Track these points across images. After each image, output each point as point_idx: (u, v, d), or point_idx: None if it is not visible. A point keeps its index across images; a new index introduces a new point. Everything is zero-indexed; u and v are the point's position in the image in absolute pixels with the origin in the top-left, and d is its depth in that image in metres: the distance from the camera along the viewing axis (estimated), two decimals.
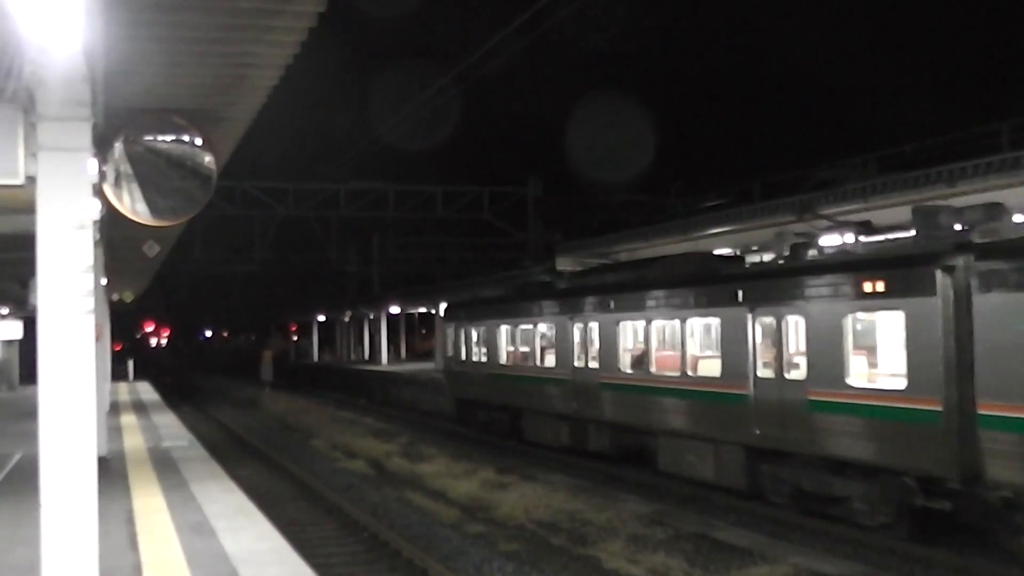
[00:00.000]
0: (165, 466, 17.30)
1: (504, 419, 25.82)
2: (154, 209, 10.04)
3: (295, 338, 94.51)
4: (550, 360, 23.47)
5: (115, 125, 9.32)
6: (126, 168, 9.78)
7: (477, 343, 27.39)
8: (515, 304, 25.74)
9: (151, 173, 9.79)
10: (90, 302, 7.63)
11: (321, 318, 78.84)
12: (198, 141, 9.90)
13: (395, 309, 62.62)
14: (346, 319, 74.72)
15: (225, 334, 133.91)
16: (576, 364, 22.19)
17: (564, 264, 34.28)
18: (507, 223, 42.04)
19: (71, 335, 7.52)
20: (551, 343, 23.59)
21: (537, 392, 23.76)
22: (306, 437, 30.19)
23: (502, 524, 16.08)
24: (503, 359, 25.76)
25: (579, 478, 20.71)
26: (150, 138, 9.60)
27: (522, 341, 25.28)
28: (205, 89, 9.28)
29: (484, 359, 26.71)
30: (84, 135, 7.62)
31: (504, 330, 26.01)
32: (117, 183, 9.85)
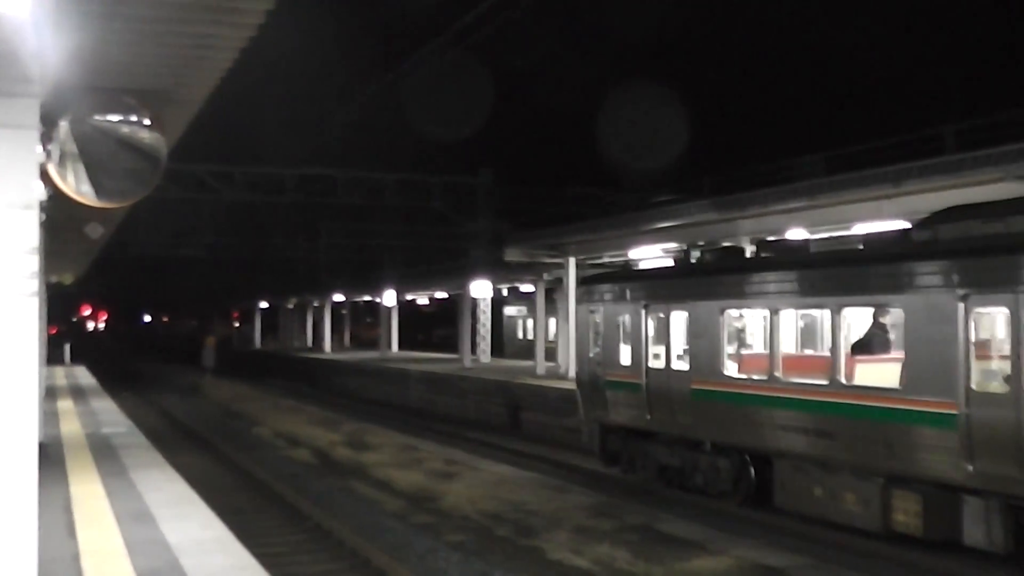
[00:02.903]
0: (104, 453, 17.01)
1: (722, 468, 16.18)
2: (100, 190, 9.80)
3: (237, 324, 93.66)
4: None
5: (62, 103, 9.09)
6: (72, 148, 9.54)
7: (659, 339, 17.58)
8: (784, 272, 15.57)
9: (98, 153, 9.56)
10: (34, 284, 7.43)
11: (264, 305, 78.20)
12: (147, 121, 9.69)
13: (340, 297, 62.29)
14: (290, 306, 74.18)
15: (166, 319, 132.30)
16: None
17: (513, 255, 34.27)
18: (457, 213, 41.90)
19: (14, 318, 7.32)
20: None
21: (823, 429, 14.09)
22: (249, 425, 29.93)
23: (447, 515, 16.06)
24: (732, 368, 16.07)
25: (526, 469, 20.75)
26: (99, 117, 9.37)
27: (782, 338, 15.37)
28: (158, 69, 9.08)
29: (682, 366, 16.87)
30: (31, 112, 7.41)
31: (736, 318, 16.64)
32: (62, 163, 9.61)
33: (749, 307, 16.22)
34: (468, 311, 42.62)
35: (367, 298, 62.83)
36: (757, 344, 16.43)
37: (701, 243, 27.57)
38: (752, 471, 15.77)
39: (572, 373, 32.20)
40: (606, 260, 34.69)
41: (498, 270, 38.19)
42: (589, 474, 20.90)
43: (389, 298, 52.68)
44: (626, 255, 31.07)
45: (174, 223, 49.79)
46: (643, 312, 17.81)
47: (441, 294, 55.61)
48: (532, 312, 41.34)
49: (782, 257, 16.51)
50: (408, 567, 12.67)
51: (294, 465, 22.03)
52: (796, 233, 22.25)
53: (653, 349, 17.69)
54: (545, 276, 36.64)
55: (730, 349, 16.29)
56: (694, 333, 16.60)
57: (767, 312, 15.33)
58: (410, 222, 48.96)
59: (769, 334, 15.25)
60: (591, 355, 19.55)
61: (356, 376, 48.67)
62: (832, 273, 14.38)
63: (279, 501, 17.63)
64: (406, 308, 61.77)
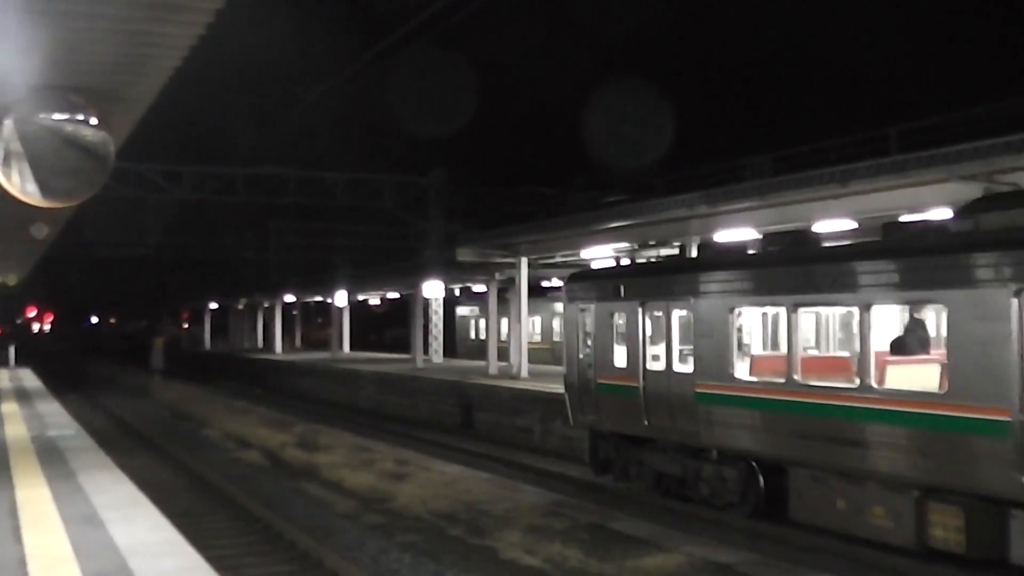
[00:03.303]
0: (50, 456, 16.75)
1: (729, 478, 15.24)
2: (46, 190, 9.69)
3: (186, 325, 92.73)
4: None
5: (6, 101, 8.97)
6: (17, 146, 9.40)
7: (659, 339, 16.64)
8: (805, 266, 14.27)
9: (44, 152, 9.44)
10: None
11: (214, 305, 77.49)
12: (94, 120, 9.58)
13: (291, 297, 61.88)
14: (240, 307, 73.56)
15: (113, 320, 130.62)
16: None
17: (465, 255, 34.24)
18: (409, 213, 41.80)
19: None
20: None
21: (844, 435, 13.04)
22: (199, 427, 29.65)
23: (399, 515, 16.02)
24: (743, 370, 14.97)
25: (478, 469, 20.75)
26: (44, 116, 9.25)
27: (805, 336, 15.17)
28: (105, 67, 8.99)
29: (685, 368, 15.86)
30: None
31: (751, 316, 15.59)
32: (7, 162, 9.48)
33: (762, 304, 15.10)
34: (420, 311, 42.53)
35: (318, 298, 62.48)
36: (771, 344, 15.54)
37: (652, 242, 27.79)
38: (761, 481, 14.70)
39: (524, 372, 32.36)
40: (558, 260, 34.82)
41: (450, 270, 38.15)
42: (541, 473, 20.98)
43: (340, 298, 52.42)
44: (578, 255, 31.20)
45: (121, 223, 49.20)
46: (640, 310, 16.69)
47: (393, 294, 55.46)
48: (484, 312, 41.36)
49: (798, 251, 14.98)
50: (360, 568, 12.64)
51: (244, 467, 21.86)
52: (745, 233, 22.47)
53: (651, 350, 16.62)
54: (497, 276, 36.67)
55: (740, 350, 15.12)
56: (699, 333, 15.42)
57: (783, 310, 14.20)
58: (362, 222, 48.79)
59: (786, 334, 14.05)
60: (581, 356, 18.30)
61: (307, 377, 48.38)
62: (859, 268, 13.08)
63: (229, 503, 17.49)
64: (358, 308, 61.52)
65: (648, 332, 16.66)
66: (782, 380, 13.89)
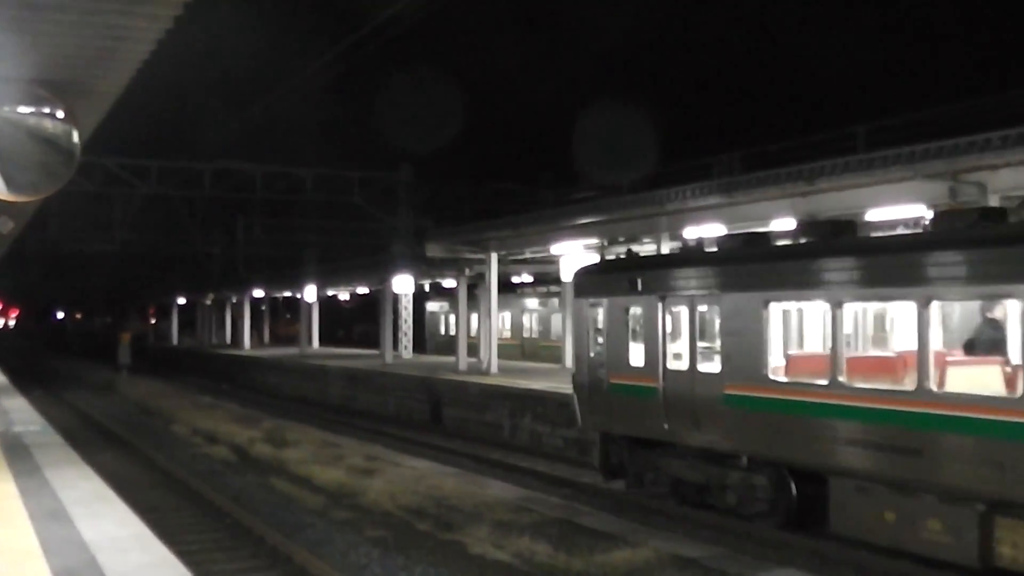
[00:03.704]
0: (16, 452, 16.62)
1: (759, 486, 14.17)
2: (11, 184, 9.61)
3: (153, 321, 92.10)
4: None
5: None
6: None
7: (681, 336, 15.48)
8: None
9: (9, 146, 9.37)
10: None
11: (182, 301, 77.01)
12: (60, 113, 9.52)
13: (259, 292, 61.58)
14: (208, 302, 73.14)
15: (79, 316, 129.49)
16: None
17: (434, 251, 34.22)
18: (378, 208, 41.71)
19: None
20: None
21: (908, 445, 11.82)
22: (166, 422, 29.47)
23: (368, 510, 16.02)
24: (779, 371, 13.84)
25: (447, 464, 20.79)
26: (9, 109, 9.18)
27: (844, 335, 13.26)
28: (72, 60, 8.92)
29: (712, 368, 14.71)
30: None
31: (788, 312, 14.46)
32: None
33: (802, 299, 13.84)
34: (389, 307, 42.47)
35: (287, 294, 62.22)
36: (813, 343, 14.28)
37: (621, 239, 27.89)
38: (793, 489, 13.73)
39: (494, 368, 32.40)
40: (528, 256, 34.89)
41: (420, 265, 38.11)
42: (510, 469, 21.03)
43: (309, 293, 52.23)
44: (547, 250, 31.27)
45: (88, 218, 48.78)
46: (660, 305, 15.50)
47: (362, 289, 55.32)
48: (454, 308, 41.36)
49: (845, 241, 13.90)
50: (329, 563, 12.64)
51: (212, 462, 21.78)
52: (714, 229, 22.63)
53: (672, 348, 15.45)
54: (467, 271, 36.68)
55: (776, 349, 13.97)
56: (729, 330, 14.26)
57: (827, 305, 12.93)
58: (331, 217, 48.62)
59: (831, 331, 12.80)
60: (592, 355, 17.12)
61: (275, 373, 48.19)
62: (917, 259, 11.84)
63: (197, 498, 17.43)
64: (326, 304, 61.32)
65: (668, 329, 15.46)
66: (825, 382, 12.78)
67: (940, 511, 11.45)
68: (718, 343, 14.61)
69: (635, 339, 16.21)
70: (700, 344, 14.97)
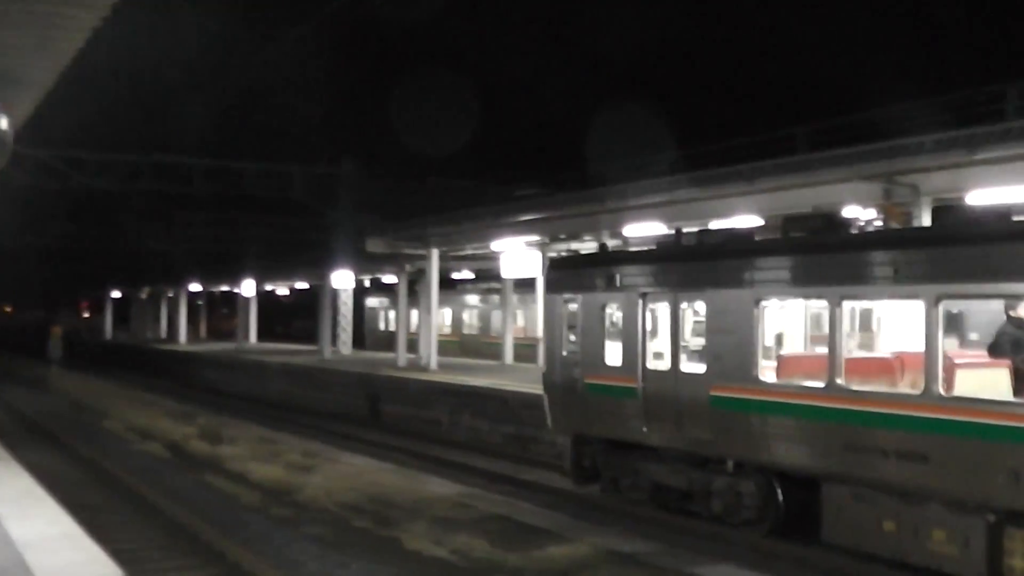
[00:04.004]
0: None
1: (746, 492, 13.56)
2: None
3: (87, 315, 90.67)
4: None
5: None
6: None
7: (663, 334, 14.92)
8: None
9: None
10: None
11: (117, 294, 75.89)
12: None
13: (196, 287, 60.88)
14: (144, 296, 72.20)
15: (9, 309, 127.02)
16: None
17: (375, 246, 34.08)
18: (319, 203, 41.41)
19: None
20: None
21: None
22: (99, 419, 28.98)
23: (306, 507, 15.90)
24: (770, 372, 13.30)
25: (385, 461, 20.71)
26: None
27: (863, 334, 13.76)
28: (4, 49, 8.73)
29: (697, 368, 14.18)
30: None
31: (782, 310, 14.05)
32: None
33: (798, 297, 13.37)
34: (329, 302, 42.20)
35: (225, 288, 61.58)
36: (808, 343, 13.96)
37: (562, 236, 28.00)
38: (780, 496, 13.18)
39: (434, 364, 32.34)
40: (469, 252, 34.87)
41: (360, 261, 37.94)
42: (449, 465, 21.01)
43: (248, 288, 51.71)
44: (488, 247, 31.28)
45: (20, 210, 47.85)
46: (640, 302, 14.80)
47: (302, 284, 54.92)
48: (394, 303, 41.21)
49: (846, 235, 13.31)
50: (265, 560, 12.51)
51: (147, 459, 21.47)
52: (654, 227, 22.79)
53: (654, 347, 14.84)
54: (407, 267, 36.58)
55: (768, 348, 13.47)
56: (716, 328, 13.64)
57: (826, 304, 12.40)
58: (271, 212, 48.22)
59: (829, 331, 12.23)
60: (565, 353, 16.34)
61: (212, 368, 47.66)
62: (929, 255, 11.30)
63: (131, 496, 17.16)
64: (265, 299, 60.79)
65: (650, 327, 14.82)
66: (822, 384, 12.21)
67: (945, 520, 10.93)
68: (703, 342, 14.01)
69: (612, 337, 15.51)
70: (684, 344, 14.39)
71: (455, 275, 44.03)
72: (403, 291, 37.69)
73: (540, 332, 33.47)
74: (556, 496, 16.80)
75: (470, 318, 45.51)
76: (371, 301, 54.33)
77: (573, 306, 16.21)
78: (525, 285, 35.18)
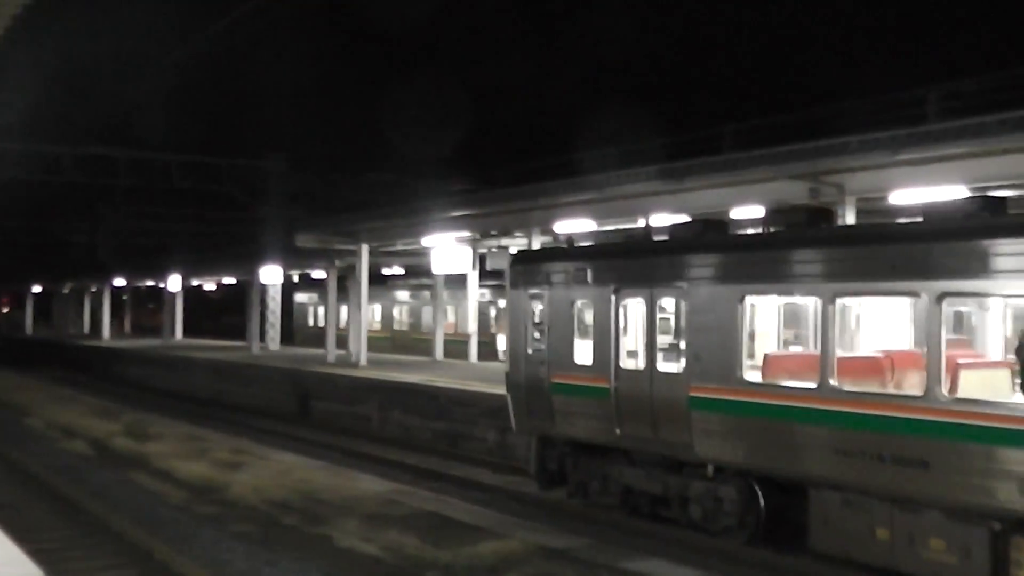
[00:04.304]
0: None
1: (726, 498, 12.99)
2: None
3: (6, 310, 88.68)
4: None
5: None
6: None
7: (637, 332, 14.33)
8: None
9: None
10: None
11: (37, 289, 74.27)
12: None
13: (121, 281, 59.82)
14: (66, 291, 70.78)
15: None
16: None
17: (304, 241, 33.79)
18: (249, 197, 40.93)
19: None
20: None
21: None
22: (19, 416, 28.31)
23: (233, 505, 15.70)
24: (754, 372, 12.61)
25: (315, 457, 20.55)
26: None
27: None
28: None
29: (673, 367, 13.63)
30: None
31: (767, 307, 13.54)
32: None
33: (786, 293, 12.64)
34: (257, 297, 41.74)
35: (150, 283, 60.63)
36: (797, 341, 13.51)
37: (494, 232, 28.01)
38: (762, 502, 12.58)
39: (364, 361, 32.17)
40: (400, 248, 34.75)
41: (289, 256, 37.59)
42: (379, 461, 20.92)
43: (174, 283, 50.94)
44: (419, 243, 31.20)
45: None
46: (613, 298, 14.17)
47: (230, 280, 54.25)
48: (324, 299, 40.90)
49: (842, 229, 12.94)
50: (192, 559, 12.33)
51: (69, 457, 21.02)
52: (584, 224, 22.94)
53: (626, 345, 14.25)
54: (337, 263, 36.33)
55: (753, 347, 12.87)
56: (695, 326, 13.00)
57: (817, 300, 11.77)
58: (199, 206, 47.56)
59: (820, 329, 11.61)
60: (530, 351, 15.60)
61: (137, 364, 46.89)
62: (935, 248, 10.64)
63: (53, 494, 16.80)
64: (192, 294, 59.93)
65: (623, 324, 14.18)
66: (812, 385, 11.64)
67: (944, 529, 10.47)
68: (682, 340, 13.32)
69: (583, 335, 14.84)
70: (661, 341, 13.70)
71: (386, 271, 43.82)
72: (333, 286, 37.42)
73: (470, 328, 33.68)
74: (487, 492, 16.83)
75: (401, 314, 45.35)
76: (301, 297, 53.88)
77: (539, 302, 15.54)
78: (456, 281, 35.15)
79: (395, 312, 45.61)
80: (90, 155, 39.38)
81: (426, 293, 40.56)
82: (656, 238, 14.72)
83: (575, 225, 23.66)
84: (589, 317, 14.72)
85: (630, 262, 14.54)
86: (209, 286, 61.43)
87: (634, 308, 14.21)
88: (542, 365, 15.35)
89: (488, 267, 31.43)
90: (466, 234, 28.66)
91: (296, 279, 50.24)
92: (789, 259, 12.19)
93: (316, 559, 12.50)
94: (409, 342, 42.14)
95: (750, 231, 14.43)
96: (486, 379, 25.24)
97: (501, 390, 22.81)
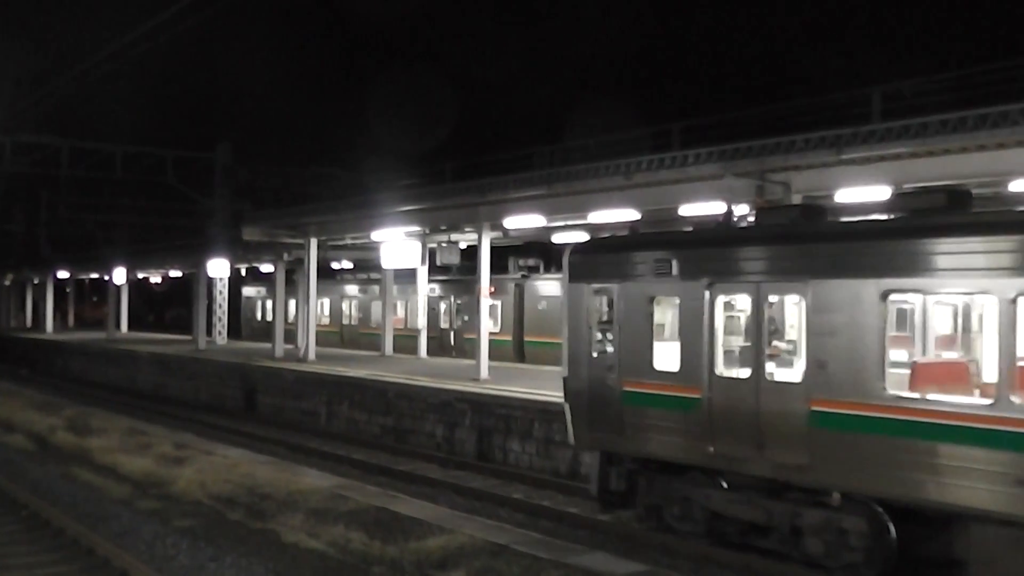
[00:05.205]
0: None
1: (852, 530, 11.17)
2: None
3: None
4: None
5: None
6: None
7: (739, 333, 12.60)
8: None
9: None
10: None
11: None
12: None
13: (64, 274, 58.92)
14: (7, 283, 69.60)
15: None
16: None
17: (252, 234, 33.49)
18: (194, 189, 40.46)
19: None
20: None
21: None
22: None
23: (177, 500, 15.55)
24: (900, 382, 10.99)
25: (260, 452, 20.41)
26: None
27: None
28: None
29: (790, 376, 11.94)
30: None
31: (914, 306, 12.27)
32: None
33: (948, 289, 10.67)
34: (204, 291, 41.32)
35: (94, 275, 59.76)
36: (961, 347, 12.00)
37: (443, 227, 27.93)
38: (893, 533, 10.80)
39: (312, 355, 31.96)
40: (348, 241, 34.55)
41: (236, 249, 37.23)
42: (326, 457, 20.82)
43: (118, 276, 50.25)
44: (368, 236, 31.05)
45: None
46: (707, 294, 12.30)
47: (176, 273, 53.61)
48: (271, 293, 40.58)
49: (1014, 214, 10.88)
50: (134, 555, 12.20)
51: (8, 451, 20.69)
52: (534, 220, 22.96)
53: (724, 349, 12.45)
54: (286, 256, 36.05)
55: (898, 355, 11.37)
56: (819, 328, 11.10)
57: (996, 299, 9.82)
58: (144, 197, 46.97)
59: (1000, 334, 9.75)
60: (595, 355, 13.76)
61: (80, 358, 46.21)
62: None
63: None
64: (137, 287, 59.15)
65: (720, 324, 12.31)
66: (987, 400, 9.99)
67: None
68: (803, 344, 11.52)
69: (663, 336, 13.13)
70: (773, 345, 12.18)
71: (334, 265, 43.59)
72: (280, 280, 37.12)
73: (420, 323, 33.60)
74: (433, 487, 16.81)
75: (350, 309, 45.12)
76: (248, 290, 53.41)
77: (606, 298, 13.74)
78: (406, 276, 35.04)
79: (344, 307, 45.37)
80: (29, 143, 38.71)
81: (375, 288, 40.42)
82: (767, 223, 12.76)
83: (525, 220, 23.71)
84: (673, 316, 12.98)
85: (730, 252, 12.45)
86: (155, 279, 60.67)
87: (735, 306, 12.52)
88: (610, 371, 13.49)
89: (439, 262, 31.38)
90: (415, 229, 28.57)
91: (244, 272, 49.81)
92: (952, 250, 10.11)
93: (261, 554, 12.42)
94: (358, 337, 41.96)
95: (890, 216, 11.85)
96: (435, 374, 25.18)
97: (449, 384, 22.98)
